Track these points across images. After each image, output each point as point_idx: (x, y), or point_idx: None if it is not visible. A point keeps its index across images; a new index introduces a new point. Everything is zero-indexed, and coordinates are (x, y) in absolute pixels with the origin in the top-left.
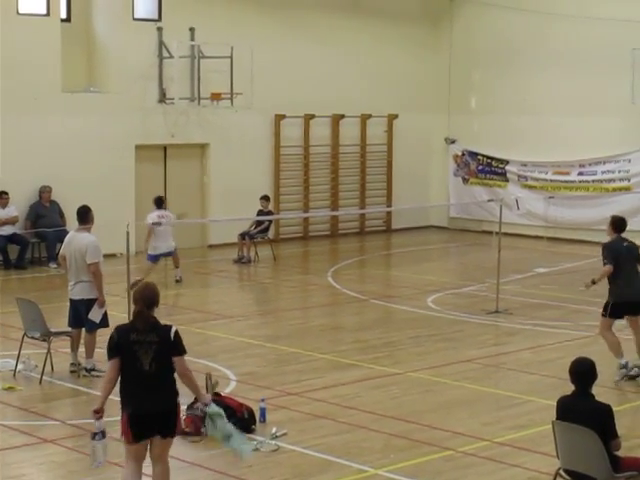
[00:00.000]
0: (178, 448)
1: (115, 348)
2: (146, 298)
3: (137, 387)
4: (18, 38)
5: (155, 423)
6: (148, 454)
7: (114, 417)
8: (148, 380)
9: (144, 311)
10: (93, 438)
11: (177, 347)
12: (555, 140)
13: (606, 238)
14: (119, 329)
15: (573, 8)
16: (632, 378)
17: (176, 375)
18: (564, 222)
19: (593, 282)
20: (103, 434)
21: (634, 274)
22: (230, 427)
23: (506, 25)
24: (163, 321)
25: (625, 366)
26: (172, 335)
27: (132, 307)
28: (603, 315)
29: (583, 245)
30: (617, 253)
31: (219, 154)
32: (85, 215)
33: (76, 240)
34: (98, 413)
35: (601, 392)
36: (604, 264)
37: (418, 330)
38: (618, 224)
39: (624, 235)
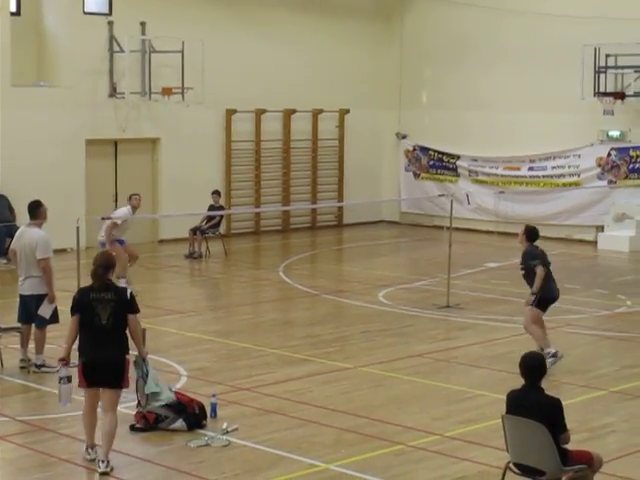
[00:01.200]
0: (128, 444)
1: (76, 306)
2: (102, 261)
3: (93, 339)
4: None
5: (105, 373)
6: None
7: (64, 413)
8: (104, 334)
9: (100, 271)
10: (59, 382)
11: (132, 306)
12: (506, 135)
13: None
14: (80, 290)
15: (524, 4)
16: None
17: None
18: (515, 217)
19: (534, 294)
20: (69, 379)
21: (551, 275)
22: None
23: (457, 21)
24: None
25: (555, 355)
26: (128, 295)
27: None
28: (532, 306)
29: None
30: (542, 257)
31: (170, 149)
32: (36, 210)
33: (26, 235)
34: (63, 360)
35: (551, 386)
36: (533, 268)
37: (369, 325)
38: (532, 234)
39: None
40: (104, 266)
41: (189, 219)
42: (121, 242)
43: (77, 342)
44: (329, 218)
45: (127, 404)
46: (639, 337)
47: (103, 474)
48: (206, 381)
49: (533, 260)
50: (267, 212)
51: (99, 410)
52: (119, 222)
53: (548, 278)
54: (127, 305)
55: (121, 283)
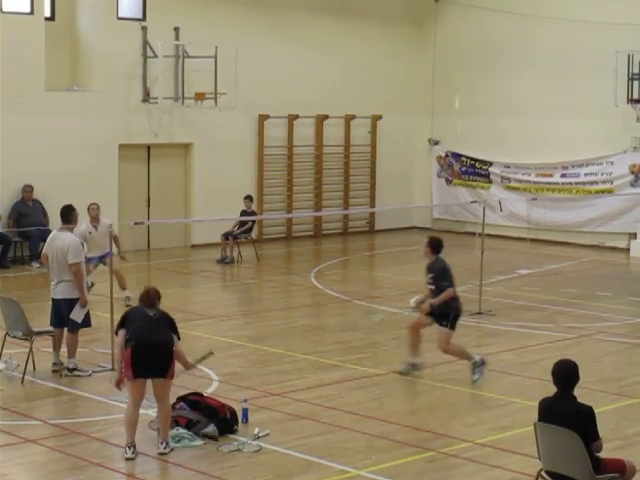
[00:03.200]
0: (157, 448)
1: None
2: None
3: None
4: (2, 36)
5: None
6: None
7: (96, 417)
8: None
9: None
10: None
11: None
12: (538, 142)
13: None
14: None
15: (557, 10)
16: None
17: None
18: (547, 224)
19: (432, 306)
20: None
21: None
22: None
23: (490, 27)
24: None
25: (481, 362)
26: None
27: (114, 307)
28: (447, 327)
29: (566, 247)
30: (451, 276)
31: (203, 154)
32: (68, 215)
33: (58, 239)
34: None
35: (583, 394)
36: (442, 287)
37: (401, 331)
38: (438, 246)
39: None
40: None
41: (221, 224)
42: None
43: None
44: (361, 224)
45: (154, 409)
46: None
47: (162, 454)
48: (237, 386)
49: (445, 281)
50: (299, 217)
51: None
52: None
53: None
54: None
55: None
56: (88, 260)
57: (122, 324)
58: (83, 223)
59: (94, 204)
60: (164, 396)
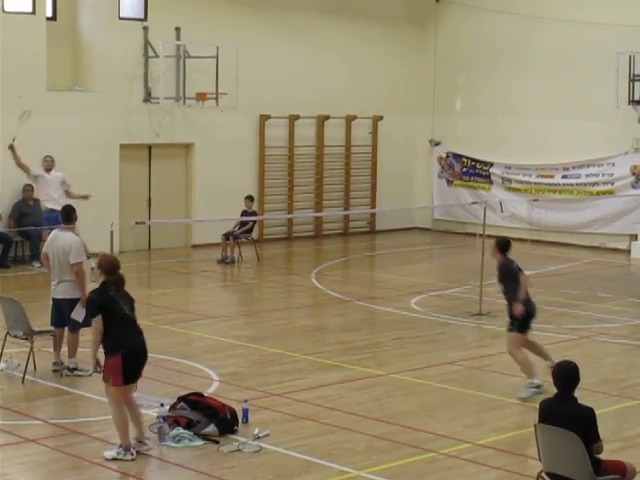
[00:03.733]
0: (160, 448)
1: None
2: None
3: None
4: (3, 36)
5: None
6: None
7: (96, 417)
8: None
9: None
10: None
11: None
12: (539, 143)
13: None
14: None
15: (558, 11)
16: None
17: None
18: (548, 225)
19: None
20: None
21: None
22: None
23: (491, 27)
24: (144, 322)
25: (538, 386)
26: None
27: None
28: (514, 331)
29: (567, 248)
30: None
31: (204, 154)
32: (69, 215)
33: (59, 239)
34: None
35: (584, 395)
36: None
37: (401, 332)
38: (504, 245)
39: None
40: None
41: (222, 224)
42: None
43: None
44: (361, 224)
45: (155, 409)
46: None
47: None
48: (238, 386)
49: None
50: (300, 218)
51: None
52: None
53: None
54: None
55: None
56: None
57: (98, 311)
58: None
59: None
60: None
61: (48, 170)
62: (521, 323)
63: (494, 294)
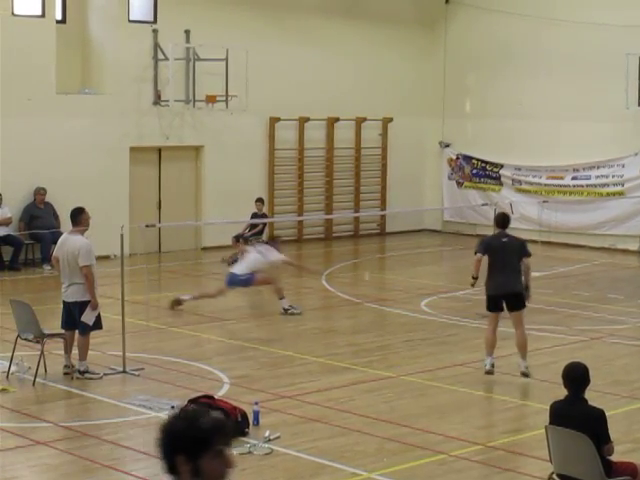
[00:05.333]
0: None
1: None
2: None
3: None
4: (13, 39)
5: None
6: None
7: (107, 419)
8: None
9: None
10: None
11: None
12: (549, 144)
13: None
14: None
15: (568, 13)
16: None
17: None
18: (558, 226)
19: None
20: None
21: (509, 268)
22: None
23: (501, 29)
24: (155, 324)
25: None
26: None
27: (125, 309)
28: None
29: (577, 249)
30: (488, 245)
31: (214, 156)
32: (77, 217)
33: (69, 242)
34: None
35: (594, 397)
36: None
37: (412, 334)
38: (498, 220)
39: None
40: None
41: (232, 226)
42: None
43: None
44: (372, 226)
45: (165, 411)
46: None
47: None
48: (248, 389)
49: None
50: (310, 220)
51: None
52: None
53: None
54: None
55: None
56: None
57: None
58: None
59: None
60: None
61: None
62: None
63: None
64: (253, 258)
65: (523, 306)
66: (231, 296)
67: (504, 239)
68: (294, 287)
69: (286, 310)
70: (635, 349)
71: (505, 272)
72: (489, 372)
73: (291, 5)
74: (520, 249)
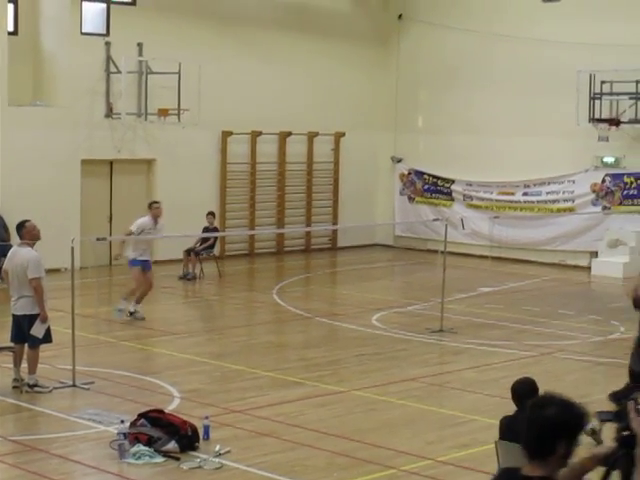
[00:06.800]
0: (120, 465)
1: None
2: None
3: None
4: None
5: None
6: None
7: (57, 434)
8: None
9: None
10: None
11: None
12: (500, 160)
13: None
14: None
15: (519, 29)
16: None
17: None
18: (509, 242)
19: None
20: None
21: None
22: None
23: (453, 45)
24: (105, 338)
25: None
26: None
27: (75, 323)
28: None
29: (527, 265)
30: None
31: (166, 170)
32: (20, 229)
33: (18, 255)
34: None
35: None
36: None
37: (362, 348)
38: None
39: None
40: None
41: (183, 240)
42: (145, 265)
43: None
44: (323, 241)
45: (115, 426)
46: None
47: None
48: (199, 403)
49: None
50: (261, 234)
51: None
52: (134, 229)
53: None
54: None
55: (121, 305)
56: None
57: None
58: (145, 217)
59: (157, 202)
60: None
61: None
62: None
63: (455, 311)
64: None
65: None
66: (181, 310)
67: None
68: (245, 301)
69: (132, 313)
70: (585, 364)
71: None
72: None
73: (244, 19)
74: None
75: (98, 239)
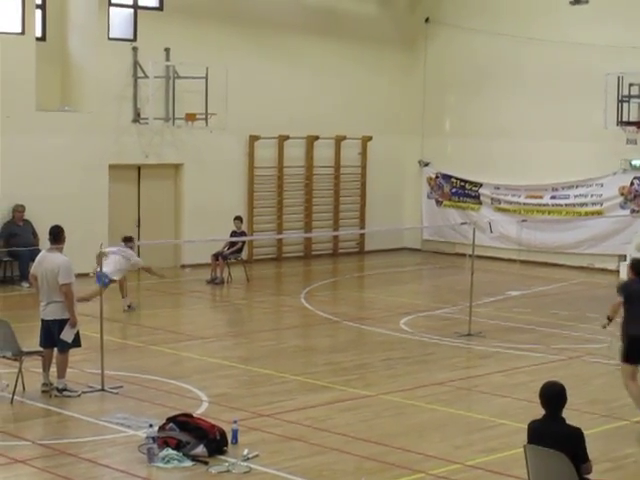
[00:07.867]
0: (149, 469)
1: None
2: None
3: None
4: None
5: None
6: None
7: (85, 438)
8: None
9: None
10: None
11: None
12: (528, 163)
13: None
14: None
15: (547, 32)
16: None
17: None
18: (537, 245)
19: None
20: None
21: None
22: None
23: (480, 48)
24: (133, 342)
25: None
26: None
27: (104, 327)
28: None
29: (555, 268)
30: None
31: (193, 174)
32: (58, 235)
33: (48, 260)
34: None
35: (572, 416)
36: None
37: (390, 352)
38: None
39: None
40: None
41: (211, 245)
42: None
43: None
44: (351, 245)
45: (144, 430)
46: None
47: None
48: (227, 407)
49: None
50: (289, 238)
51: None
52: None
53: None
54: None
55: (125, 302)
56: None
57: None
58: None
59: None
60: None
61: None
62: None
63: (483, 315)
64: (116, 260)
65: None
66: (209, 314)
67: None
68: (273, 305)
69: (129, 306)
70: (613, 368)
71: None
72: None
73: (271, 24)
74: None
75: (126, 244)
